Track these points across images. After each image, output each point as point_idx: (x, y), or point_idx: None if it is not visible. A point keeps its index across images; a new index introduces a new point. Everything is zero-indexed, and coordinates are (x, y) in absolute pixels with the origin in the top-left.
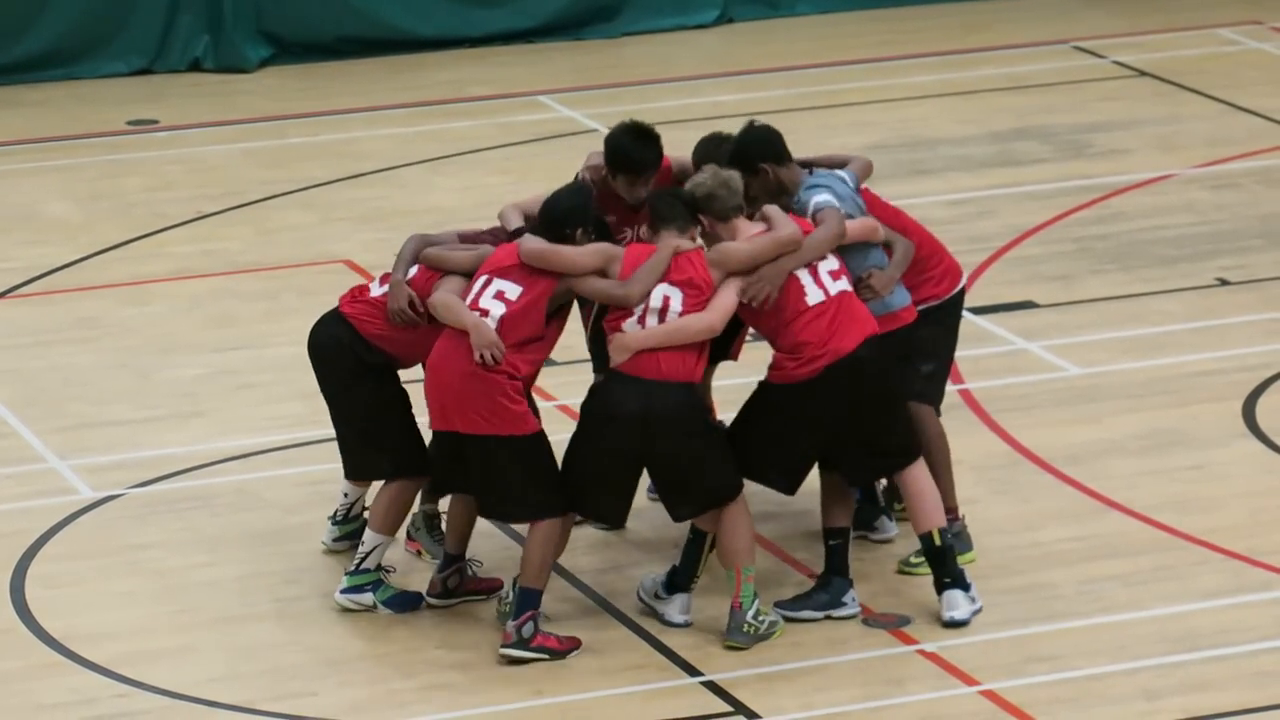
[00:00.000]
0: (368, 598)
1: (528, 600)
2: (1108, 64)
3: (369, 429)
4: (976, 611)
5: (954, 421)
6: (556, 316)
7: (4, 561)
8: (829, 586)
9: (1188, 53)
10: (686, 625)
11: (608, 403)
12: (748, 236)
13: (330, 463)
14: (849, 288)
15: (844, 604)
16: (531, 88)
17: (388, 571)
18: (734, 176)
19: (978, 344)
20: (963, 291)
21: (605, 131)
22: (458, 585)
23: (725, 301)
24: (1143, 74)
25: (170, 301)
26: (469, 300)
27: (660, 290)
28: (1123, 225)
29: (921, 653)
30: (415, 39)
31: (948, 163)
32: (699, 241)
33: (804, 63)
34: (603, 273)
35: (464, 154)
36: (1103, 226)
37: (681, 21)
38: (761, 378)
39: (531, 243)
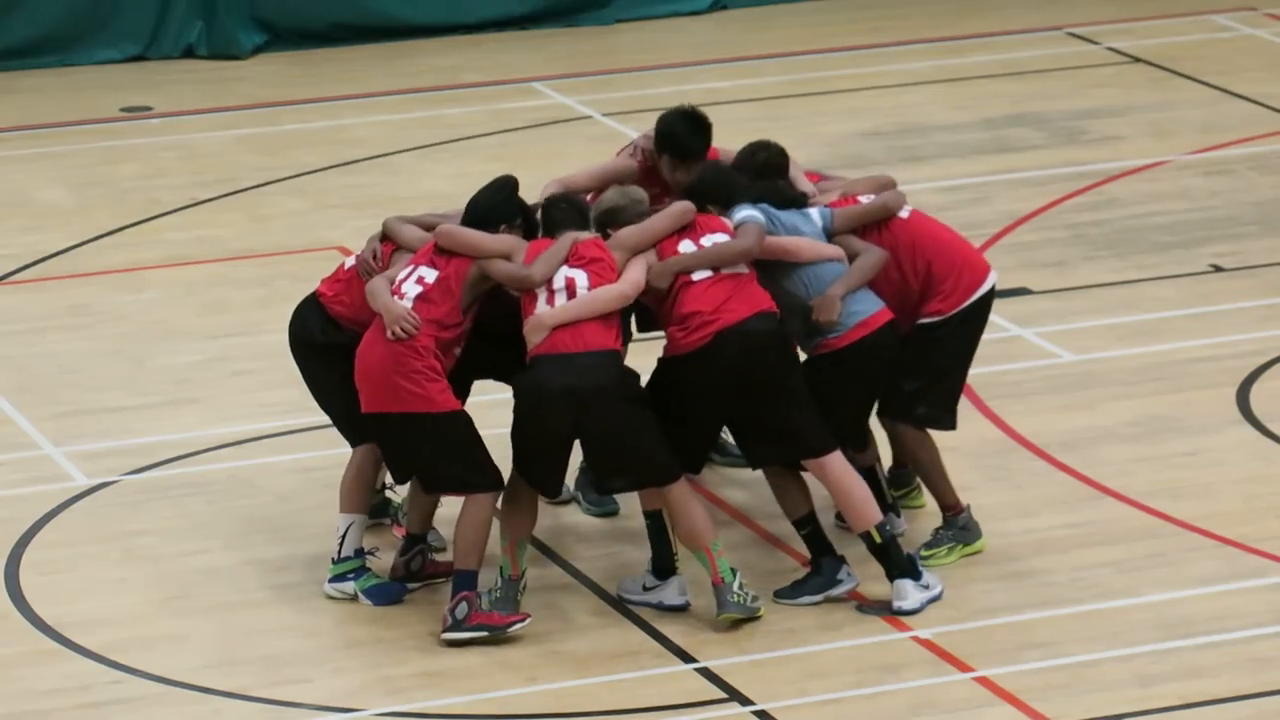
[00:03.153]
0: (349, 586)
1: (460, 582)
2: (1102, 50)
3: (345, 406)
4: (933, 599)
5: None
6: (471, 308)
7: None
8: (821, 569)
9: (1182, 39)
10: (687, 606)
11: (536, 382)
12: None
13: (324, 449)
14: (746, 270)
15: (840, 581)
16: (525, 74)
17: (370, 554)
18: (636, 189)
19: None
20: (967, 309)
21: (599, 118)
22: (420, 568)
23: (635, 274)
24: (1137, 60)
25: (164, 288)
26: (394, 286)
27: (563, 272)
28: (1117, 211)
29: (916, 639)
30: (408, 25)
31: (942, 149)
32: (593, 232)
33: (797, 49)
34: (508, 259)
35: (457, 141)
36: (1097, 213)
37: (675, 8)
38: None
39: (446, 226)
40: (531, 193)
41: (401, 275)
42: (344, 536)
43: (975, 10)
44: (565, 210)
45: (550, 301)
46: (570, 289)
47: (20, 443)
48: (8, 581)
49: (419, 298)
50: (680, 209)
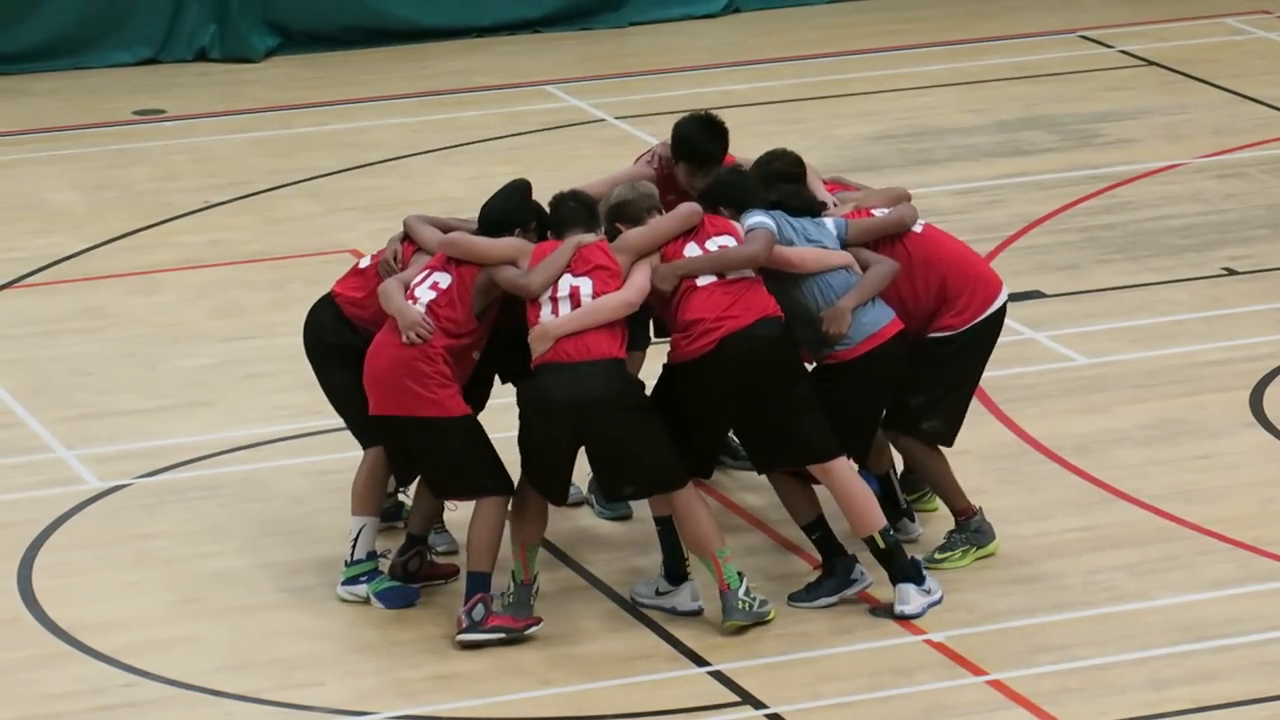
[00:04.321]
0: (363, 589)
1: (475, 584)
2: (1115, 53)
3: (359, 408)
4: (934, 603)
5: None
6: (487, 314)
7: (11, 551)
8: (835, 570)
9: (1195, 42)
10: (700, 611)
11: (539, 392)
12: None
13: (337, 452)
14: (752, 275)
15: (855, 580)
16: (539, 77)
17: (382, 557)
18: (646, 184)
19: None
20: (979, 326)
21: (612, 121)
22: (418, 569)
23: (639, 280)
24: (1150, 63)
25: (177, 291)
26: (407, 291)
27: (566, 280)
28: (1130, 215)
29: (929, 643)
30: (422, 28)
31: (955, 152)
32: (600, 235)
33: (811, 52)
34: (515, 265)
35: (471, 144)
36: (1110, 216)
37: (688, 11)
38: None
39: (452, 234)
40: (547, 197)
41: (416, 279)
42: (356, 539)
43: (989, 13)
44: (573, 208)
45: (554, 310)
46: (574, 297)
47: (33, 445)
48: (20, 584)
49: (433, 303)
50: (687, 211)
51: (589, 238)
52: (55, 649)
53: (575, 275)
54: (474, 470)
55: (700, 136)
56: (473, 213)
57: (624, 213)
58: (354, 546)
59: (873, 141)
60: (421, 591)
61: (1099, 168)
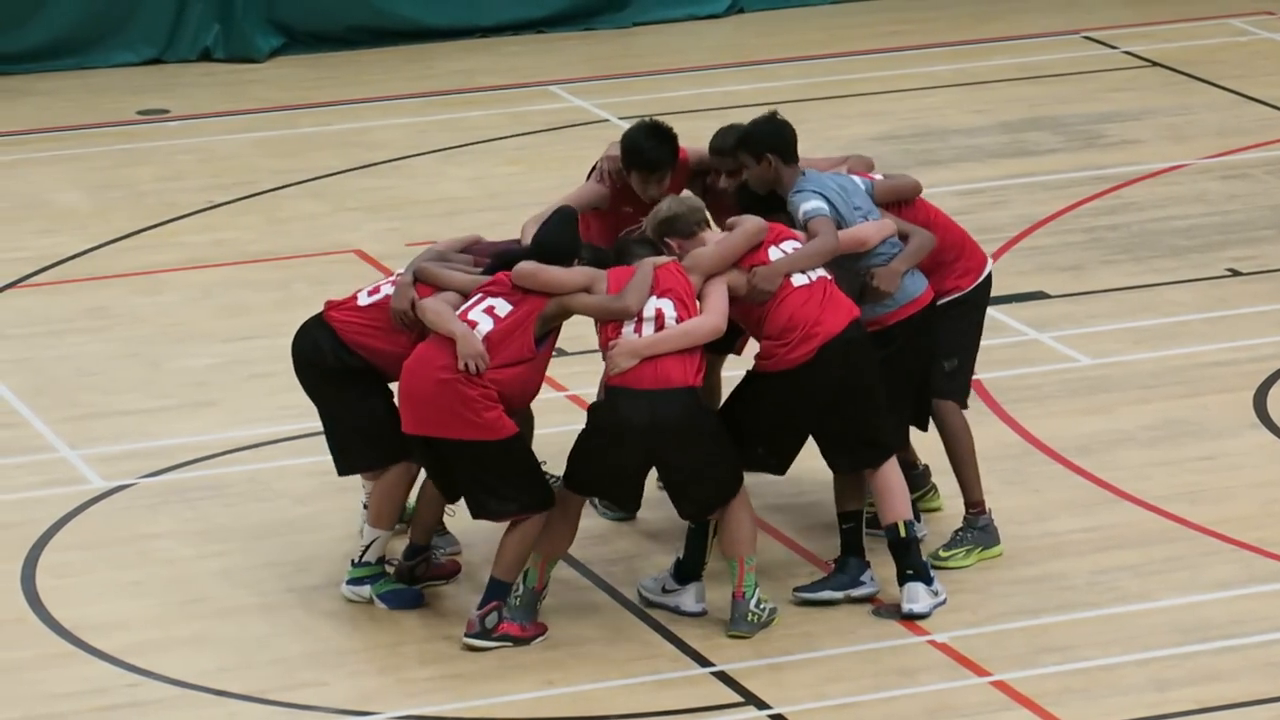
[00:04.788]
0: (366, 590)
1: (496, 591)
2: (1119, 54)
3: (355, 425)
4: (939, 604)
5: (966, 412)
6: (547, 339)
7: (15, 551)
8: (846, 568)
9: (1199, 43)
10: (703, 613)
11: (615, 416)
12: (715, 240)
13: None
14: (828, 275)
15: (862, 583)
16: (542, 78)
17: (391, 564)
18: (692, 197)
19: (989, 334)
20: (986, 284)
21: (616, 122)
22: (425, 573)
23: (720, 302)
24: (1154, 64)
25: (182, 291)
26: (459, 313)
27: (651, 303)
28: (1134, 215)
29: (933, 643)
30: (426, 29)
31: (959, 153)
32: (673, 256)
33: (815, 53)
34: (589, 291)
35: (475, 144)
36: (1114, 217)
37: (692, 11)
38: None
39: (526, 265)
40: (548, 198)
41: (470, 302)
42: (370, 545)
43: (993, 14)
44: (639, 246)
45: (638, 330)
46: (659, 319)
47: (37, 445)
48: (24, 584)
49: (491, 331)
50: (755, 227)
51: (663, 259)
52: (59, 649)
53: (658, 297)
54: (519, 490)
55: (649, 143)
56: (474, 213)
57: (673, 228)
58: (365, 549)
59: (877, 142)
60: (425, 593)
61: (1103, 168)
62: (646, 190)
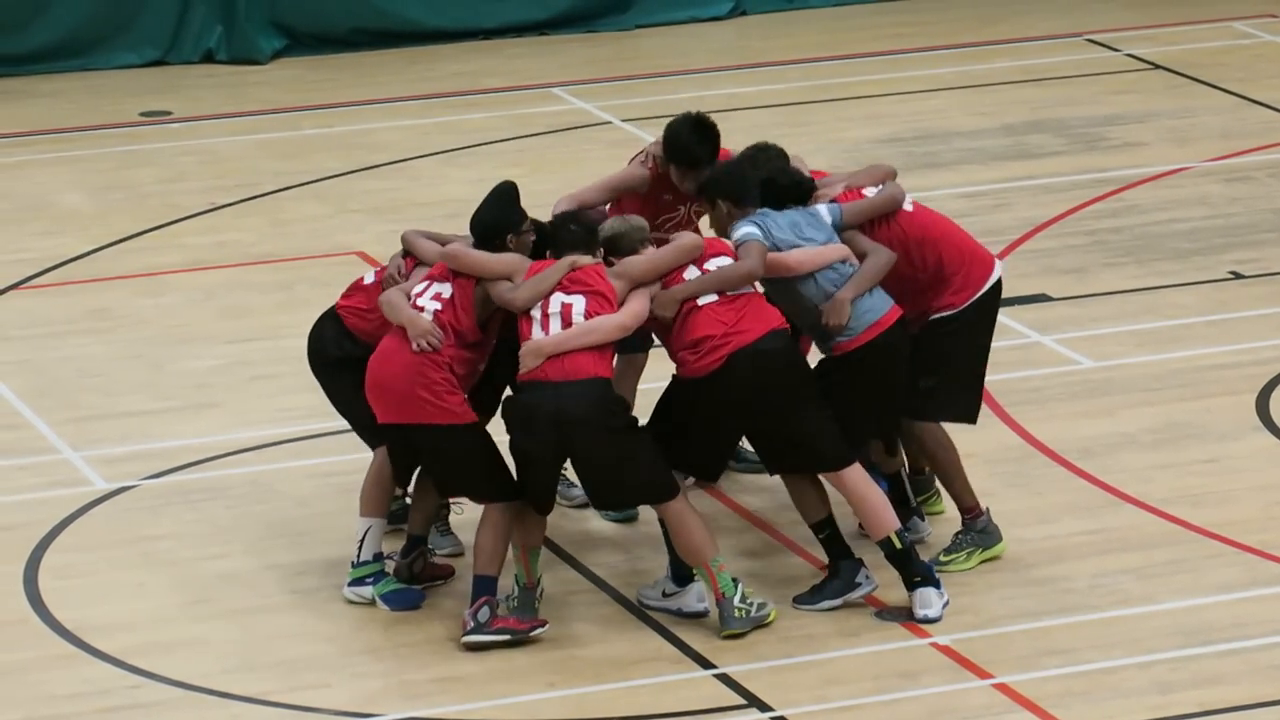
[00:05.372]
0: (368, 591)
1: (481, 587)
2: (1122, 57)
3: (356, 413)
4: (945, 605)
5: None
6: (490, 324)
7: (17, 552)
8: (840, 572)
9: (1202, 46)
10: (706, 613)
11: (522, 409)
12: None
13: (343, 454)
14: (754, 289)
15: (859, 584)
16: (545, 80)
17: (389, 559)
18: (636, 218)
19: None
20: (983, 301)
21: (618, 124)
22: (422, 570)
23: (636, 305)
24: (1157, 67)
25: (184, 293)
26: (411, 300)
27: (558, 298)
28: (1137, 218)
29: (934, 646)
30: (428, 31)
31: (962, 155)
32: (597, 258)
33: (817, 55)
34: (510, 280)
35: (477, 146)
36: (1117, 220)
37: (695, 14)
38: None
39: (452, 246)
40: (551, 200)
41: (418, 289)
42: (363, 540)
43: (995, 17)
44: (573, 232)
45: (545, 326)
46: (565, 315)
47: (40, 447)
48: (27, 586)
49: (438, 313)
50: (690, 244)
51: (585, 259)
52: (62, 650)
53: (568, 293)
54: (482, 476)
55: (691, 139)
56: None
57: (616, 245)
58: (360, 548)
59: (879, 145)
60: (426, 594)
61: (1105, 171)
62: (684, 183)
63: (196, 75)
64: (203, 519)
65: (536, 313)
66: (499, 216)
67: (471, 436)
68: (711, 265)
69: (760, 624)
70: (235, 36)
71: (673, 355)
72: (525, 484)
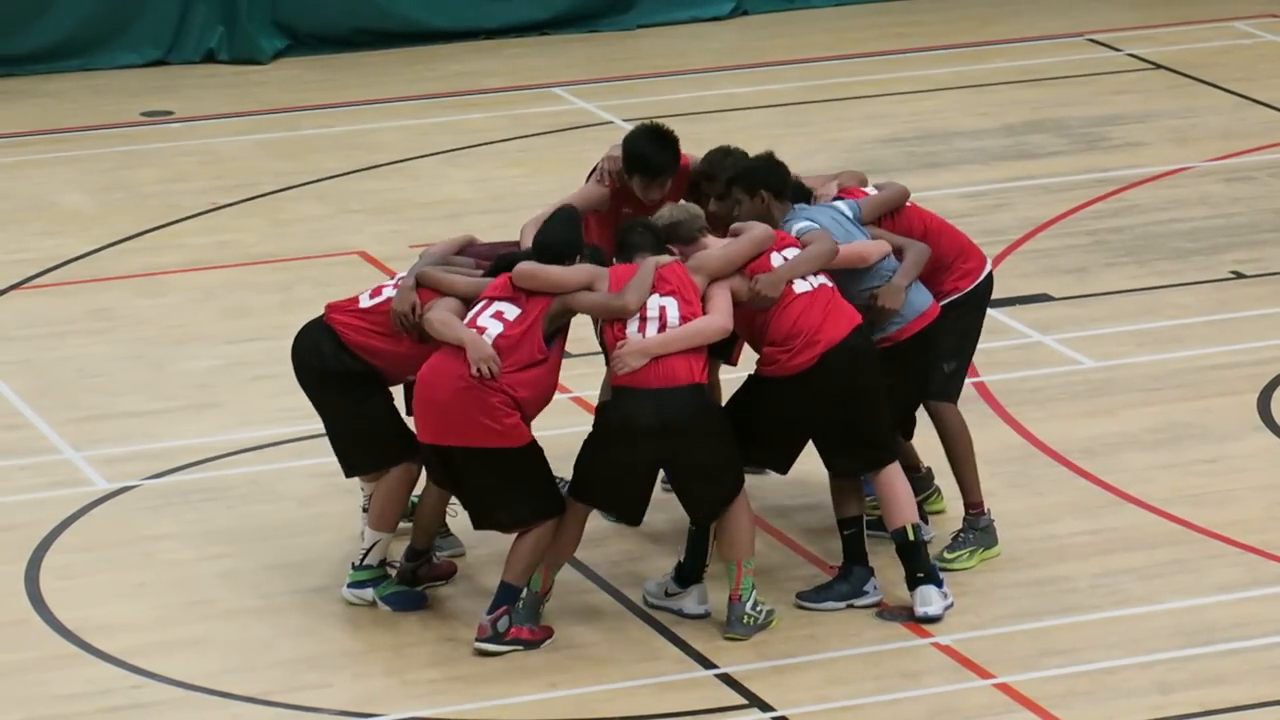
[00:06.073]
0: (368, 593)
1: (506, 595)
2: (1122, 56)
3: (355, 427)
4: (948, 607)
5: (969, 414)
6: (556, 339)
7: (18, 553)
8: (849, 576)
9: (1203, 45)
10: (706, 615)
11: (624, 417)
12: (720, 245)
13: None
14: (829, 282)
15: (865, 593)
16: (546, 80)
17: (392, 567)
18: (693, 205)
19: (992, 337)
20: (985, 284)
21: (620, 124)
22: (425, 574)
23: (726, 303)
24: (1158, 67)
25: (185, 293)
26: (467, 320)
27: (654, 301)
28: (1137, 218)
29: (936, 645)
30: (429, 30)
31: (962, 155)
32: (675, 255)
33: (818, 55)
34: (591, 289)
35: (478, 146)
36: (1117, 219)
37: (696, 14)
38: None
39: (526, 265)
40: (551, 199)
41: (477, 308)
42: (370, 548)
43: (996, 17)
44: (641, 234)
45: (642, 330)
46: (662, 318)
47: (41, 447)
48: (28, 586)
49: (500, 335)
50: (763, 234)
51: (664, 258)
52: (63, 650)
53: (661, 295)
54: (535, 497)
55: (652, 149)
56: (478, 215)
57: (676, 234)
58: (366, 553)
59: (880, 145)
60: (428, 595)
61: (1106, 171)
62: (648, 194)
63: (198, 75)
64: (203, 519)
65: (635, 316)
66: (566, 238)
67: (529, 457)
68: (788, 254)
69: (762, 630)
70: (236, 36)
71: (759, 350)
72: (614, 496)
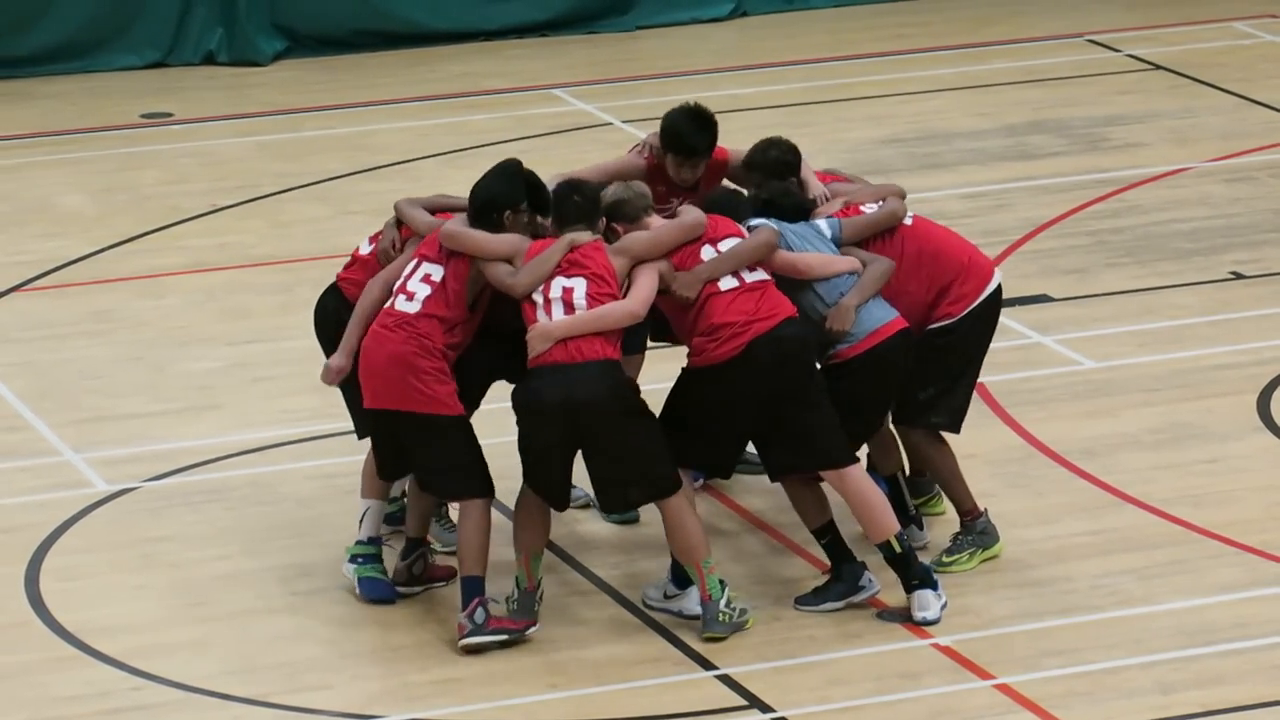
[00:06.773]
0: (349, 569)
1: (470, 588)
2: (1122, 57)
3: (351, 393)
4: (943, 607)
5: (969, 415)
6: (479, 303)
7: (19, 555)
8: (843, 575)
9: (1203, 46)
10: None
11: (531, 394)
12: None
13: (345, 456)
14: (767, 277)
15: (862, 587)
16: (546, 81)
17: (385, 543)
18: (642, 184)
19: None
20: (981, 310)
21: (620, 125)
22: (422, 572)
23: (644, 289)
24: (1158, 67)
25: (185, 294)
26: (399, 282)
27: (559, 282)
28: (1138, 219)
29: (936, 646)
30: (430, 32)
31: (963, 156)
32: (597, 235)
33: (818, 56)
34: (510, 262)
35: (479, 147)
36: (1118, 220)
37: (696, 15)
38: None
39: (449, 226)
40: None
41: (408, 270)
42: (362, 519)
43: (996, 18)
44: (577, 204)
45: (547, 310)
46: (567, 299)
47: (41, 449)
48: (28, 588)
49: (429, 297)
50: (694, 221)
51: (584, 237)
52: (63, 652)
53: (568, 277)
54: (462, 471)
55: (688, 128)
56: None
57: (620, 211)
58: (359, 525)
59: (880, 145)
60: (423, 594)
61: (1106, 171)
62: (680, 174)
63: (197, 77)
64: (204, 521)
65: (538, 297)
66: (499, 191)
67: (457, 428)
68: (724, 246)
69: (738, 629)
70: (236, 38)
71: (687, 342)
72: (536, 478)
